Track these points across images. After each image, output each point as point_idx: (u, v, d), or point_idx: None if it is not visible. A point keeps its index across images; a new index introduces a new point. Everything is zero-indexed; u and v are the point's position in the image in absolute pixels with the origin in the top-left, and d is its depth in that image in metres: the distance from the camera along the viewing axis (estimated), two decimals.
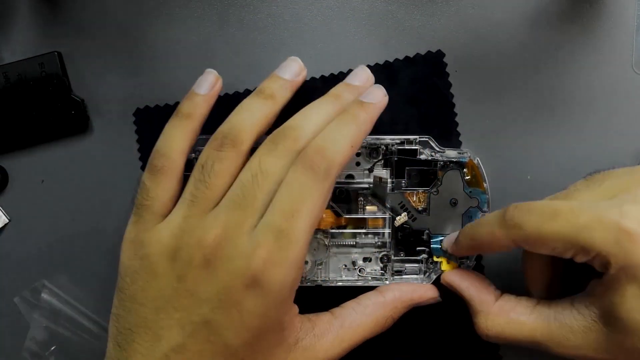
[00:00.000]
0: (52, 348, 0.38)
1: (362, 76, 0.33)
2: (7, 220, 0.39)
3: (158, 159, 0.30)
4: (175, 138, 0.31)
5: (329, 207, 0.36)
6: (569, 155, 0.37)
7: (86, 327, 0.38)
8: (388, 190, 0.36)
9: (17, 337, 0.38)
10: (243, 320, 0.27)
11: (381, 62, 0.38)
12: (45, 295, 0.38)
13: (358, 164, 0.36)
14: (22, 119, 0.38)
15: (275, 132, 0.30)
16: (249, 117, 0.30)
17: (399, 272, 0.36)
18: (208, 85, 0.32)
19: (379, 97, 0.31)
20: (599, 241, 0.25)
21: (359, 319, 0.32)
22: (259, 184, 0.28)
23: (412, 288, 0.34)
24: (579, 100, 0.37)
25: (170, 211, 0.30)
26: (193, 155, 0.34)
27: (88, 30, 0.39)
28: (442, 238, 0.35)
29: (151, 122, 0.38)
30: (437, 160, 0.36)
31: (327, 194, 0.28)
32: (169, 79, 0.38)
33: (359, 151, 0.36)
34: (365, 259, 0.36)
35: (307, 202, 0.27)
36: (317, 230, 0.36)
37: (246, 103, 0.31)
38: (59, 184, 0.39)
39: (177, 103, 0.38)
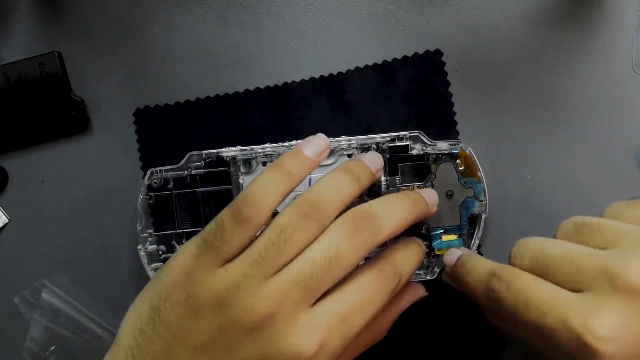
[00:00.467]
0: (52, 348, 0.38)
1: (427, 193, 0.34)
2: (7, 220, 0.39)
3: (247, 208, 0.28)
4: (271, 191, 0.29)
5: None
6: (569, 155, 0.37)
7: (86, 327, 0.38)
8: (383, 189, 0.36)
9: (17, 337, 0.38)
10: None
11: (380, 62, 0.38)
12: (45, 295, 0.38)
13: None
14: (22, 119, 0.38)
15: (358, 213, 0.29)
16: (335, 192, 0.29)
17: None
18: (317, 151, 0.31)
19: (432, 202, 0.34)
20: (565, 343, 0.26)
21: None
22: (329, 271, 0.27)
23: (398, 295, 0.33)
24: (579, 100, 0.37)
25: (234, 257, 0.29)
26: (185, 173, 0.35)
27: (88, 30, 0.39)
28: (442, 231, 0.35)
29: (151, 122, 0.38)
30: (429, 154, 0.36)
31: (388, 296, 0.30)
32: (169, 79, 0.38)
33: (351, 152, 0.36)
34: (366, 258, 0.36)
35: (374, 307, 0.29)
36: None
37: (334, 176, 0.30)
38: (59, 184, 0.39)
39: (177, 103, 0.38)
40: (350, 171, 0.30)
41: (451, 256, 0.34)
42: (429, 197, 0.33)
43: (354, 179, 0.30)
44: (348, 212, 0.29)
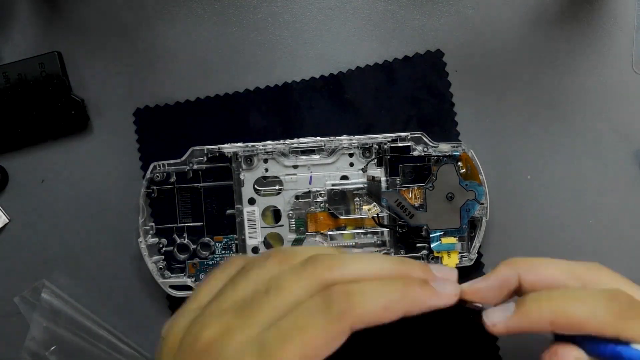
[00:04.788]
0: (52, 348, 0.38)
1: (444, 270, 0.28)
2: (7, 220, 0.39)
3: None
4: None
5: (325, 209, 0.36)
6: (569, 155, 0.37)
7: (86, 327, 0.38)
8: (383, 189, 0.36)
9: (18, 337, 0.38)
10: None
11: (381, 62, 0.38)
12: (45, 296, 0.38)
13: (352, 164, 0.36)
14: (22, 119, 0.38)
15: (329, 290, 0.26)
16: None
17: None
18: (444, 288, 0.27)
19: (448, 291, 0.27)
20: None
21: None
22: (269, 296, 0.26)
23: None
24: (579, 100, 0.37)
25: None
26: (187, 167, 0.36)
27: (88, 30, 0.39)
28: (441, 233, 0.35)
29: (151, 122, 0.38)
30: (431, 156, 0.36)
31: (331, 339, 0.25)
32: (169, 79, 0.38)
33: (352, 151, 0.36)
34: None
35: (307, 334, 0.24)
36: (317, 233, 0.36)
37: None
38: (59, 184, 0.39)
39: (177, 103, 0.38)
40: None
41: (496, 311, 0.27)
42: (438, 275, 0.27)
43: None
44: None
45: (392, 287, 0.26)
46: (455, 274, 0.27)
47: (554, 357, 0.25)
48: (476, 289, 0.28)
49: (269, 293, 0.26)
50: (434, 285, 0.26)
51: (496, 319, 0.26)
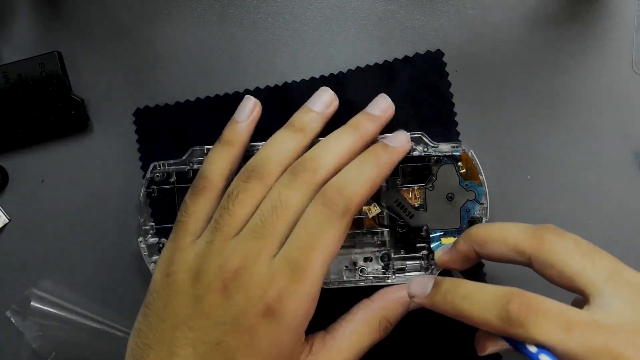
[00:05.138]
0: (53, 354, 0.38)
1: (382, 105, 0.34)
2: (7, 220, 0.39)
3: (199, 181, 0.32)
4: (216, 162, 0.33)
5: None
6: (569, 155, 0.37)
7: (86, 327, 0.38)
8: (383, 189, 0.36)
9: (18, 336, 0.38)
10: (254, 345, 0.27)
11: (381, 62, 0.38)
12: (35, 304, 0.38)
13: None
14: (22, 119, 0.38)
15: (295, 163, 0.31)
16: (278, 150, 0.32)
17: (401, 270, 0.36)
18: (247, 112, 0.34)
19: (402, 141, 0.33)
20: None
21: (351, 327, 0.32)
22: (278, 215, 0.29)
23: (398, 287, 0.34)
24: (578, 100, 0.37)
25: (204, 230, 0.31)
26: (187, 167, 0.36)
27: (88, 30, 0.39)
28: (441, 234, 0.35)
29: (151, 122, 0.38)
30: (431, 156, 0.36)
31: (344, 232, 0.29)
32: (169, 79, 0.38)
33: None
34: (365, 259, 0.36)
35: (324, 239, 0.28)
36: None
37: (276, 136, 0.33)
38: (59, 184, 0.39)
39: (177, 103, 0.38)
40: (292, 125, 0.33)
41: (419, 286, 0.30)
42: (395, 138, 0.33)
43: (295, 131, 0.32)
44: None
45: (368, 166, 0.31)
46: (391, 109, 0.34)
47: (478, 343, 0.29)
48: (443, 262, 0.33)
49: (276, 211, 0.29)
50: (390, 143, 0.32)
51: (413, 291, 0.30)
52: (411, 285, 0.31)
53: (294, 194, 0.30)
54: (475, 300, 0.27)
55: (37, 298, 0.38)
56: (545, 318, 0.26)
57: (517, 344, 0.26)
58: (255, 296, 0.28)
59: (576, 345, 0.25)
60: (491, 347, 0.29)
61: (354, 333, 0.32)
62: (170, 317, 0.29)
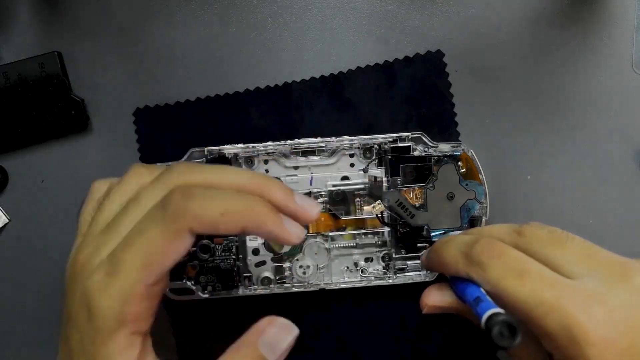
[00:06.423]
0: None
1: (307, 202, 0.28)
2: (7, 220, 0.39)
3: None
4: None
5: (326, 210, 0.36)
6: (569, 155, 0.37)
7: None
8: (384, 189, 0.36)
9: (18, 336, 0.38)
10: (68, 338, 0.26)
11: (381, 62, 0.38)
12: None
13: (352, 165, 0.36)
14: (22, 119, 0.38)
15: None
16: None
17: (402, 270, 0.36)
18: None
19: (292, 233, 0.27)
20: (549, 324, 0.24)
21: None
22: (127, 211, 0.27)
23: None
24: (579, 100, 0.37)
25: None
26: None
27: (88, 30, 0.39)
28: (442, 233, 0.35)
29: (151, 122, 0.38)
30: (431, 156, 0.36)
31: (173, 237, 0.25)
32: (169, 78, 0.38)
33: (353, 152, 0.36)
34: (367, 259, 0.36)
35: (147, 236, 0.25)
36: (317, 234, 0.36)
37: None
38: (59, 184, 0.39)
39: (177, 103, 0.38)
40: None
41: (422, 255, 0.35)
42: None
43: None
44: None
45: (237, 199, 0.26)
46: (317, 210, 0.28)
47: (426, 293, 0.31)
48: (424, 266, 0.35)
49: (127, 208, 0.27)
50: (284, 220, 0.26)
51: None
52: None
53: (148, 193, 0.27)
54: (453, 242, 0.29)
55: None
56: (504, 263, 0.26)
57: (464, 291, 0.28)
58: (82, 289, 0.26)
59: (527, 294, 0.25)
60: (434, 298, 0.31)
61: None
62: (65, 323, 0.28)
